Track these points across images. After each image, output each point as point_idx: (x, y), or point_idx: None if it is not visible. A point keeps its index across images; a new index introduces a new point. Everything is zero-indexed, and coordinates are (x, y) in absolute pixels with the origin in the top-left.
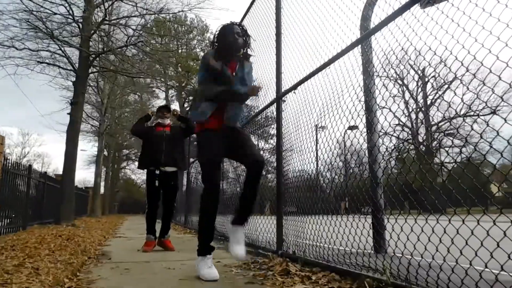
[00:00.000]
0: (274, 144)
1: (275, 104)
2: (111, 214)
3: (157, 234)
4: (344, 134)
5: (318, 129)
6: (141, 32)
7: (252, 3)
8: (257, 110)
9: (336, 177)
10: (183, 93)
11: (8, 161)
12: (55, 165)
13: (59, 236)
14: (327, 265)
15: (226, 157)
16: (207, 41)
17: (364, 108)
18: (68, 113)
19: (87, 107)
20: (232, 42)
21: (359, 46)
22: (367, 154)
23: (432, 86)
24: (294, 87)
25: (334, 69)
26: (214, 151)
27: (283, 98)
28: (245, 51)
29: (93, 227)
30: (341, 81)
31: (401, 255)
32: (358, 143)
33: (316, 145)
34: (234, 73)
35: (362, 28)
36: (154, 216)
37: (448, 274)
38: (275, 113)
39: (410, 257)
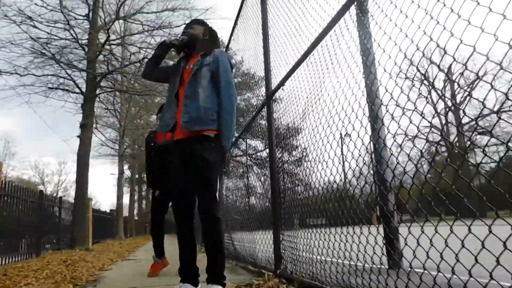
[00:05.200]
0: (299, 155)
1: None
2: (139, 236)
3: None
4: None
5: (343, 137)
6: (145, 48)
7: (241, 6)
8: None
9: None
10: None
11: (16, 186)
12: (90, 190)
13: (63, 262)
14: (322, 287)
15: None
16: None
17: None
18: (77, 136)
19: (107, 130)
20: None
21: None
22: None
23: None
24: (281, 83)
25: (327, 50)
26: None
27: (273, 98)
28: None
29: (108, 250)
30: (335, 66)
31: (421, 271)
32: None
33: (342, 154)
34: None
35: None
36: (158, 231)
37: None
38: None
39: (422, 271)
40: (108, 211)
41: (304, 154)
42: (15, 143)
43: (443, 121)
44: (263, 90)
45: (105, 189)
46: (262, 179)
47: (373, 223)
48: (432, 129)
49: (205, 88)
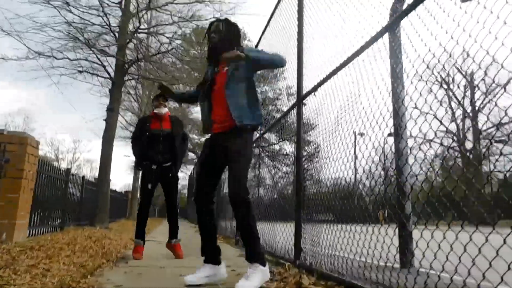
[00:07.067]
0: (310, 151)
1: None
2: (150, 218)
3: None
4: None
5: (356, 136)
6: (174, 39)
7: (277, 5)
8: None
9: (371, 184)
10: None
11: (48, 164)
12: None
13: (89, 238)
14: (341, 279)
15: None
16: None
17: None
18: (103, 119)
19: (127, 114)
20: (210, 45)
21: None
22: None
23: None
24: (314, 88)
25: (358, 66)
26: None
27: (304, 101)
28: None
29: (126, 230)
30: (365, 80)
31: (431, 272)
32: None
33: (355, 152)
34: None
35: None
36: (145, 217)
37: None
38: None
39: (432, 272)
40: (123, 192)
41: (328, 153)
42: (34, 118)
43: (461, 127)
44: (280, 84)
45: (118, 170)
46: (273, 172)
47: (380, 222)
48: (449, 134)
49: (242, 87)
